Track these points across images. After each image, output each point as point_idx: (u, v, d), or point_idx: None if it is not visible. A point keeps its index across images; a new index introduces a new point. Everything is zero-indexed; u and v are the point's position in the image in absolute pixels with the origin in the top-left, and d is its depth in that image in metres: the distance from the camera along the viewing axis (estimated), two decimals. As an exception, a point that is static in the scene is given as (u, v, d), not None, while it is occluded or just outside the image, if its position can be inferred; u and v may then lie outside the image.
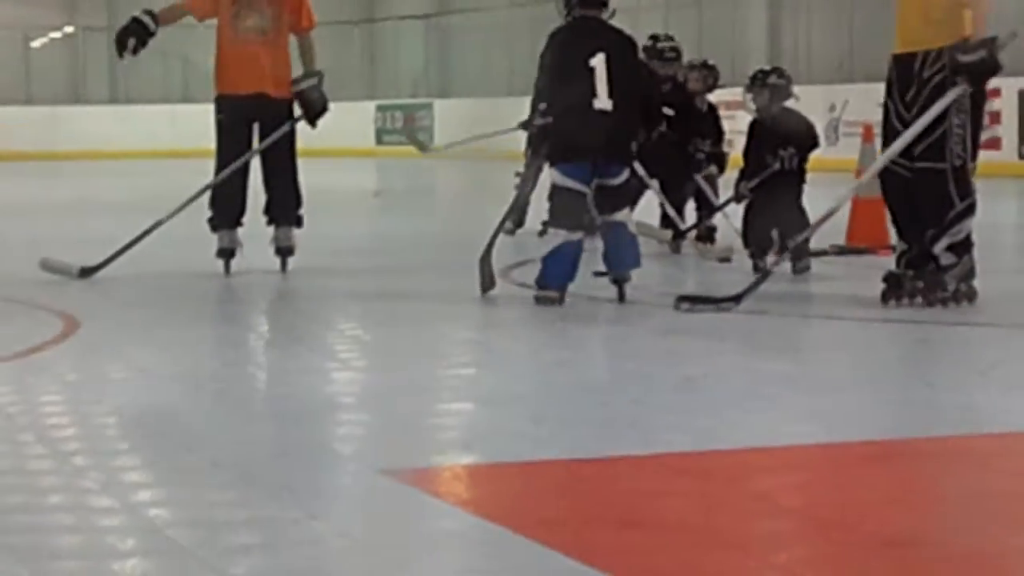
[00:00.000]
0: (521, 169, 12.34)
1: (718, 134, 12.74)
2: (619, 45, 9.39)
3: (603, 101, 9.16)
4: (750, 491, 5.09)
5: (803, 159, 10.83)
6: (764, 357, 8.00)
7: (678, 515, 4.72)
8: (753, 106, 11.05)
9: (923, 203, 8.86)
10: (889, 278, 8.98)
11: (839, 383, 7.20)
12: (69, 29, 40.50)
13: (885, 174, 9.01)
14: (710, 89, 12.79)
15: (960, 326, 8.48)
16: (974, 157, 8.88)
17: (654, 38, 12.80)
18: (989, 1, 8.75)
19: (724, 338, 8.32)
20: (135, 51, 10.78)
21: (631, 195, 9.82)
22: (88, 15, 40.37)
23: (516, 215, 12.41)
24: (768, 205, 10.51)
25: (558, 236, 9.24)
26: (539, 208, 11.83)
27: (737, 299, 8.74)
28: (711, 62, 13.12)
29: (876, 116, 9.81)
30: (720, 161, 12.61)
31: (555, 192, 9.30)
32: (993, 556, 4.21)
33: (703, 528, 4.55)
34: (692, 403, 6.61)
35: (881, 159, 8.99)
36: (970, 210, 8.83)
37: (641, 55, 10.84)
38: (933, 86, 8.71)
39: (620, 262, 9.32)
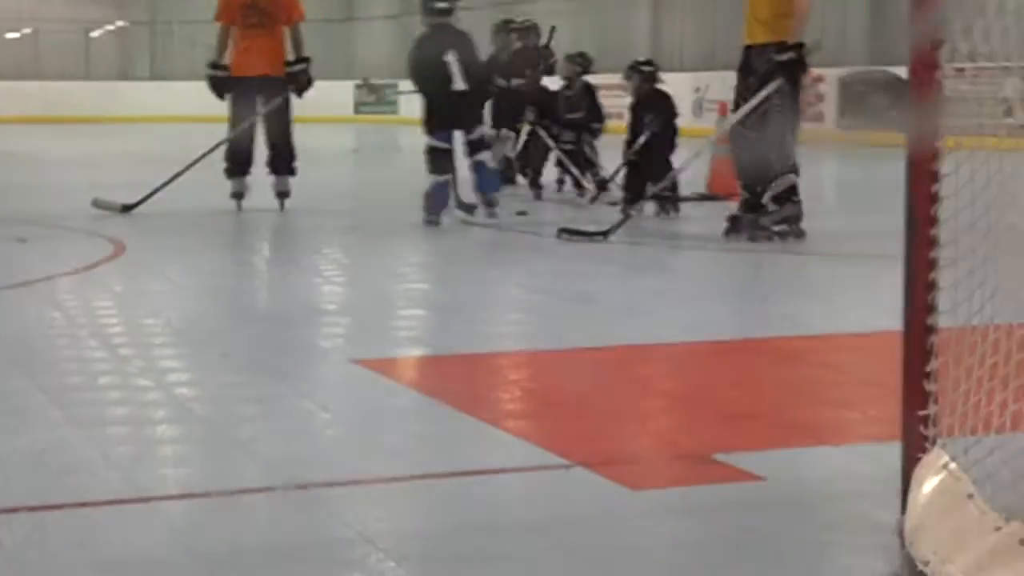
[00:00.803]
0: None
1: (596, 108, 12.66)
2: (464, 42, 10.20)
3: (459, 84, 9.95)
4: (631, 376, 5.13)
5: (667, 126, 10.77)
6: (639, 277, 8.06)
7: (579, 395, 4.75)
8: (630, 88, 11.08)
9: (755, 163, 8.90)
10: (730, 219, 9.05)
11: (695, 297, 7.27)
12: (120, 23, 40.03)
13: (734, 138, 9.07)
14: (583, 73, 12.68)
15: (787, 254, 8.55)
16: (794, 131, 8.89)
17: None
18: (806, 10, 8.75)
19: (608, 262, 8.37)
20: (223, 96, 10.91)
21: (486, 143, 10.50)
22: (134, 12, 39.94)
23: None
24: (643, 163, 10.52)
25: (435, 179, 10.03)
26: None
27: (605, 233, 8.78)
28: (584, 52, 13.08)
29: (731, 96, 9.91)
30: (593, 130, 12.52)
31: (431, 151, 10.09)
32: (810, 425, 4.26)
33: (596, 404, 4.57)
34: (588, 312, 6.66)
35: (721, 127, 9.06)
36: (790, 170, 8.83)
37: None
38: (760, 74, 8.77)
39: (487, 186, 10.28)
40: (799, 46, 8.65)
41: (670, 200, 10.44)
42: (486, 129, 10.71)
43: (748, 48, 8.92)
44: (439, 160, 10.08)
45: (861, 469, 3.60)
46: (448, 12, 10.28)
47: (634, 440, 4.11)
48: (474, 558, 3.00)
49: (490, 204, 10.29)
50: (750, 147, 8.81)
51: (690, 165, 9.82)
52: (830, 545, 3.10)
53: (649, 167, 10.33)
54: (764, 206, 8.84)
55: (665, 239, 9.22)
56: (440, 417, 4.34)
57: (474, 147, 10.27)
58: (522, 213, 10.64)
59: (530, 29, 13.40)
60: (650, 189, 10.08)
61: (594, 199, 11.35)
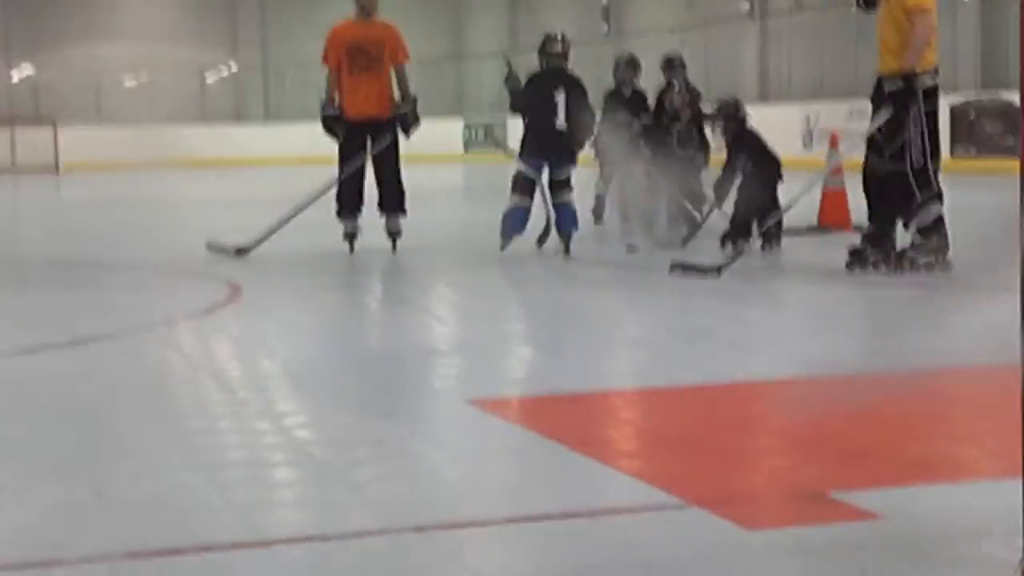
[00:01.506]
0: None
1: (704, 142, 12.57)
2: (574, 86, 10.75)
3: (560, 122, 10.60)
4: (745, 414, 5.10)
5: (760, 163, 10.69)
6: (751, 311, 8.00)
7: (692, 433, 4.73)
8: (718, 132, 11.10)
9: (887, 197, 8.83)
10: (852, 251, 8.95)
11: (808, 331, 7.19)
12: (233, 67, 40.67)
13: (865, 169, 8.98)
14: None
15: (901, 287, 8.43)
16: (935, 158, 8.82)
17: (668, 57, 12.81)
18: (923, 36, 8.67)
19: (719, 297, 8.32)
20: (337, 136, 11.02)
21: (570, 185, 10.81)
22: (248, 55, 40.60)
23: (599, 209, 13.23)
24: (744, 202, 10.50)
25: (514, 202, 10.70)
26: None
27: (719, 269, 8.74)
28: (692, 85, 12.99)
29: (841, 126, 9.88)
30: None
31: (517, 175, 10.75)
32: (928, 461, 4.19)
33: (710, 442, 4.54)
34: (701, 348, 6.63)
35: (840, 156, 9.00)
36: (932, 200, 8.74)
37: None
38: (884, 102, 8.74)
39: (567, 225, 10.63)
40: (912, 75, 8.59)
41: (773, 235, 10.36)
42: (573, 170, 10.92)
43: (879, 79, 8.87)
44: (522, 185, 10.70)
45: (981, 507, 3.56)
46: (563, 56, 10.93)
47: (748, 479, 4.10)
48: (590, 600, 3.01)
49: (567, 242, 10.63)
50: (888, 180, 8.76)
51: (800, 200, 9.75)
52: (950, 585, 3.07)
53: (751, 203, 10.28)
54: (894, 240, 8.80)
55: (777, 272, 9.15)
56: (554, 457, 4.35)
57: (559, 187, 10.74)
58: (632, 249, 10.63)
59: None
60: (755, 226, 10.06)
61: (687, 240, 11.16)
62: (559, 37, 11.09)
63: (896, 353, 6.37)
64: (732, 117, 10.93)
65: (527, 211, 10.70)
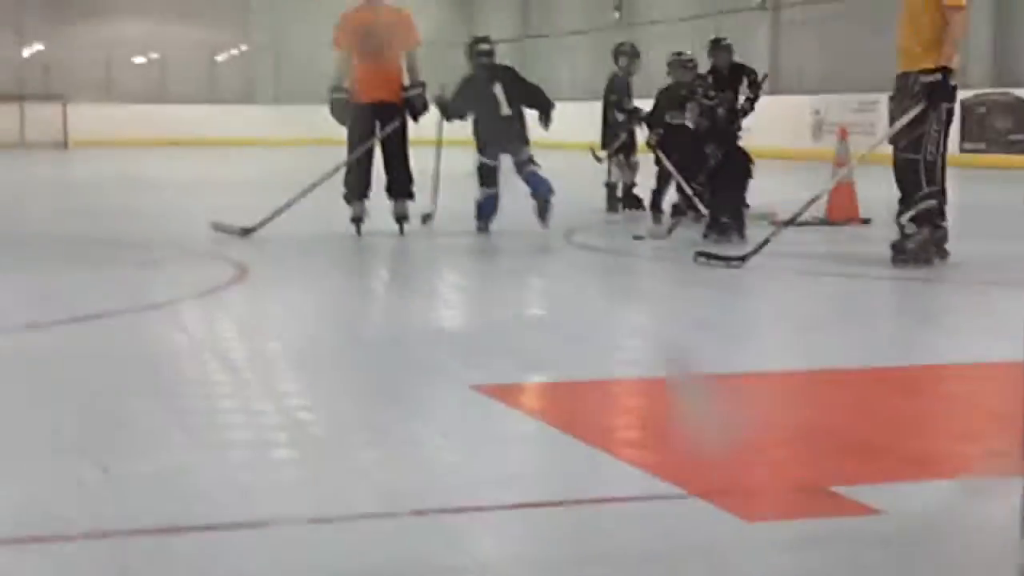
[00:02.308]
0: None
1: None
2: (508, 74, 11.58)
3: (505, 109, 11.28)
4: (748, 405, 5.11)
5: (729, 154, 10.81)
6: (757, 303, 8.01)
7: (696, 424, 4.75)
8: (691, 119, 11.17)
9: (900, 183, 8.88)
10: (895, 245, 8.92)
11: (814, 324, 7.19)
12: (244, 47, 40.65)
13: (894, 159, 9.01)
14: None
15: (910, 280, 8.44)
16: (943, 156, 8.84)
17: (677, 53, 12.75)
18: (959, 35, 8.70)
19: (726, 288, 8.32)
20: (343, 121, 11.11)
21: (533, 161, 11.39)
22: (258, 36, 40.55)
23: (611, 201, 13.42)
24: (716, 192, 10.68)
25: (484, 192, 11.37)
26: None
27: (743, 258, 8.74)
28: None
29: (850, 119, 9.88)
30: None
31: (481, 167, 11.41)
32: (930, 458, 4.19)
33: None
34: (705, 338, 6.63)
35: (867, 149, 9.00)
36: (934, 195, 8.78)
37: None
38: (912, 97, 8.74)
39: (540, 187, 11.27)
40: (947, 70, 8.63)
41: (733, 227, 10.40)
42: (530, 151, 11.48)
43: (904, 75, 8.86)
44: (488, 175, 11.39)
45: (983, 504, 3.56)
46: (490, 54, 11.65)
47: (750, 471, 4.10)
48: (589, 588, 3.02)
49: (545, 205, 11.28)
50: (897, 168, 8.83)
51: (826, 193, 9.75)
52: (947, 581, 3.08)
53: (723, 194, 10.37)
54: (902, 227, 8.80)
55: (782, 265, 9.13)
56: (557, 444, 4.36)
57: (523, 165, 11.41)
58: (638, 238, 10.64)
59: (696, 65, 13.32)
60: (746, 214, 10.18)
61: (671, 229, 11.14)
62: (485, 38, 11.88)
63: (899, 348, 6.38)
64: (705, 108, 10.98)
65: (496, 197, 11.40)
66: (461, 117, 11.47)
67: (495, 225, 11.32)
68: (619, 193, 13.39)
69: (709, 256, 8.93)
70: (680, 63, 12.41)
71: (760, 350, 6.35)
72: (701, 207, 11.51)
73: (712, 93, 11.11)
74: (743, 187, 10.74)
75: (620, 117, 13.21)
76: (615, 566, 3.16)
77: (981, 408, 4.91)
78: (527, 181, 11.40)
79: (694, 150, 11.01)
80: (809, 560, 3.24)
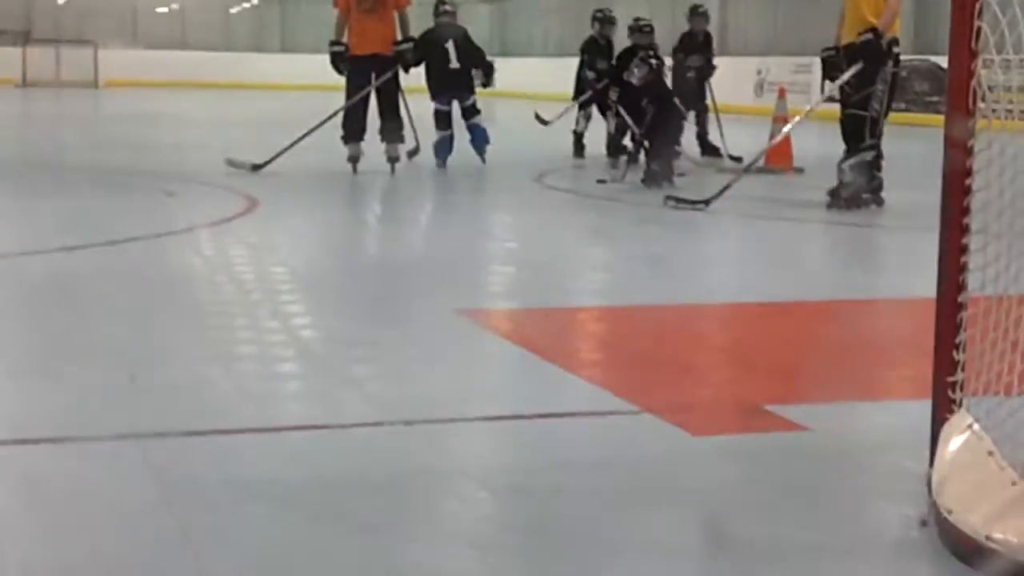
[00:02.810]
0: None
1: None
2: (460, 33, 11.97)
3: (454, 63, 11.74)
4: (693, 332, 5.15)
5: (662, 108, 10.79)
6: (703, 242, 8.02)
7: (647, 348, 4.76)
8: (636, 76, 11.10)
9: (846, 135, 8.90)
10: (833, 191, 8.94)
11: (751, 261, 7.22)
12: (254, 1, 40.23)
13: (842, 118, 9.02)
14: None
15: (842, 225, 8.46)
16: (886, 115, 8.87)
17: (637, 19, 12.65)
18: (895, 7, 8.72)
19: (676, 228, 8.33)
20: (342, 71, 10.99)
21: (477, 110, 12.00)
22: (267, -9, 40.18)
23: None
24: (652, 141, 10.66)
25: (440, 134, 11.68)
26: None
27: (706, 202, 8.73)
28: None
29: (788, 79, 9.94)
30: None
31: (437, 113, 11.75)
32: (852, 381, 4.21)
33: (662, 356, 4.57)
34: (657, 273, 6.65)
35: (812, 104, 9.05)
36: (875, 146, 8.83)
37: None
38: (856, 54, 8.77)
39: (481, 140, 11.95)
40: (877, 32, 8.59)
41: (662, 174, 10.40)
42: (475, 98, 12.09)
43: (850, 44, 8.80)
44: (442, 119, 11.76)
45: (896, 423, 3.60)
46: (450, 13, 12.11)
47: (695, 391, 4.13)
48: (551, 490, 3.04)
49: (481, 150, 11.92)
50: (845, 121, 8.86)
51: (779, 137, 9.87)
52: (867, 491, 3.11)
53: (655, 145, 10.41)
54: (843, 172, 8.83)
55: (728, 207, 9.15)
56: (527, 364, 4.37)
57: (468, 113, 11.97)
58: (601, 181, 10.62)
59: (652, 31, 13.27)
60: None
61: (624, 173, 11.06)
62: (446, 1, 12.08)
63: (829, 285, 6.41)
64: (652, 68, 10.96)
65: (451, 138, 11.77)
66: (416, 64, 11.48)
67: (474, 167, 11.27)
68: (584, 141, 13.33)
69: (677, 200, 8.91)
70: (638, 27, 12.31)
71: (705, 284, 6.37)
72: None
73: (655, 56, 11.09)
74: (674, 140, 10.73)
75: (591, 75, 13.11)
76: (576, 472, 3.18)
77: (899, 338, 4.95)
78: (469, 130, 11.97)
79: (637, 105, 10.96)
80: (745, 469, 3.27)
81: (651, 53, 11.18)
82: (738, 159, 11.87)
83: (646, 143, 10.68)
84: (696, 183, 10.32)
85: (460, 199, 10.13)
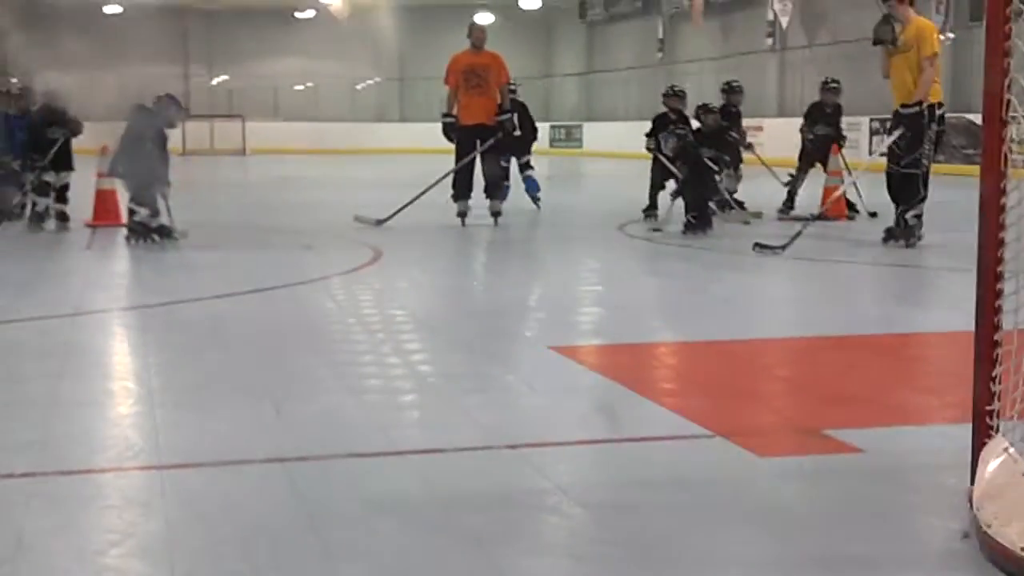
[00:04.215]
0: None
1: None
2: (521, 108, 12.44)
3: (517, 131, 11.89)
4: (759, 364, 5.10)
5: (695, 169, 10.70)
6: (768, 283, 7.94)
7: (718, 378, 4.74)
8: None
9: (900, 190, 8.95)
10: (889, 229, 9.18)
11: (811, 300, 7.12)
12: (377, 78, 40.77)
13: (888, 173, 9.08)
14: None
15: (891, 266, 8.34)
16: (928, 166, 8.94)
17: (671, 87, 12.48)
18: (928, 80, 8.68)
19: (743, 271, 8.24)
20: (451, 138, 11.08)
21: (531, 165, 12.93)
22: (388, 71, 40.60)
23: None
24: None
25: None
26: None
27: (784, 247, 8.68)
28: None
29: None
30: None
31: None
32: (901, 407, 4.16)
33: (731, 385, 4.54)
34: (727, 311, 6.59)
35: (868, 161, 9.11)
36: (925, 199, 8.94)
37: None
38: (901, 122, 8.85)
39: (529, 189, 12.84)
40: (925, 105, 8.70)
41: (699, 224, 10.28)
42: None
43: (898, 108, 8.87)
44: (504, 173, 11.91)
45: (940, 445, 3.54)
46: (513, 91, 11.84)
47: (761, 416, 4.10)
48: (637, 507, 3.04)
49: (534, 199, 12.62)
50: (900, 179, 8.91)
51: (843, 189, 9.91)
52: (914, 507, 3.06)
53: (690, 201, 10.41)
54: (906, 220, 8.91)
55: (791, 252, 9.06)
56: (614, 393, 4.37)
57: (524, 168, 12.80)
58: (656, 230, 10.54)
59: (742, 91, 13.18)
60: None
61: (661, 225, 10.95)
62: (513, 81, 11.66)
63: (877, 319, 6.31)
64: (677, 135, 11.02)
65: (508, 187, 11.95)
66: (512, 132, 11.82)
67: (565, 218, 11.25)
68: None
69: (763, 246, 8.85)
70: (672, 92, 12.20)
71: (769, 320, 6.31)
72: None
73: (681, 126, 11.10)
74: (706, 196, 10.61)
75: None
76: (658, 490, 3.17)
77: (941, 369, 4.86)
78: (524, 181, 12.79)
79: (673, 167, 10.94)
80: (806, 487, 3.24)
81: (679, 125, 11.16)
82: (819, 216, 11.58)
83: (682, 199, 10.59)
84: (732, 230, 10.30)
85: (553, 247, 10.13)
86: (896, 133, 8.80)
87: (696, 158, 10.80)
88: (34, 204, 10.86)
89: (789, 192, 12.38)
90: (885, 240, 9.09)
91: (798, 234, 8.78)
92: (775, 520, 2.96)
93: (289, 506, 2.99)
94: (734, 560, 2.69)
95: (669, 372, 5.01)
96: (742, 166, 12.36)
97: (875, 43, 9.01)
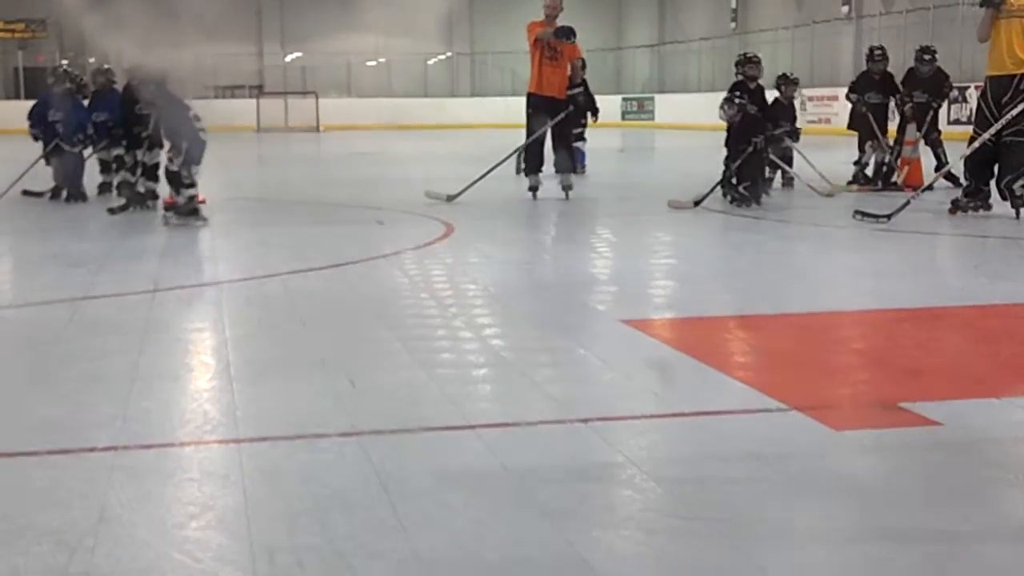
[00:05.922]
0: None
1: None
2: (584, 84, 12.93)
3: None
4: (834, 337, 5.04)
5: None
6: (842, 255, 7.83)
7: (793, 352, 4.69)
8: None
9: (1008, 161, 8.81)
10: (954, 201, 9.21)
11: (886, 272, 7.01)
12: (449, 53, 40.84)
13: (988, 143, 8.94)
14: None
15: (966, 237, 8.18)
16: None
17: (743, 53, 12.26)
18: None
19: (819, 241, 8.13)
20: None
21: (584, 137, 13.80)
22: (459, 45, 40.67)
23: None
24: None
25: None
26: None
27: (889, 217, 8.67)
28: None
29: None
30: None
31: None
32: (978, 380, 4.10)
33: (806, 359, 4.49)
34: (801, 283, 6.52)
35: (983, 137, 8.92)
36: None
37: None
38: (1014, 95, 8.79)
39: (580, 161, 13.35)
40: None
41: (750, 196, 10.28)
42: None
43: (1009, 77, 8.80)
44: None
45: (1020, 419, 3.48)
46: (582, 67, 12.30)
47: (836, 389, 4.05)
48: (711, 480, 3.02)
49: (581, 168, 13.16)
50: (1004, 149, 8.75)
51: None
52: (994, 480, 3.01)
53: (743, 172, 10.31)
54: (1012, 191, 8.84)
55: (868, 224, 8.88)
56: (687, 367, 4.34)
57: (577, 138, 12.89)
58: (697, 203, 10.43)
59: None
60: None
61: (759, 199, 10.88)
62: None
63: (954, 291, 6.20)
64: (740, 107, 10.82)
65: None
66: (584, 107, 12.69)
67: (636, 191, 11.17)
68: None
69: (864, 214, 8.88)
70: (746, 59, 12.01)
71: (843, 292, 6.23)
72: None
73: (741, 94, 10.82)
74: (761, 168, 10.54)
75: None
76: (732, 464, 3.15)
77: (1020, 340, 4.76)
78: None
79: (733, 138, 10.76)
80: (883, 460, 3.20)
81: (738, 93, 10.92)
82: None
83: (734, 169, 10.47)
84: (777, 204, 10.15)
85: (625, 220, 10.08)
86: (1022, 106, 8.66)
87: (756, 127, 10.64)
88: (135, 184, 10.80)
89: (865, 163, 12.20)
90: (952, 211, 8.98)
91: (906, 203, 8.78)
92: (852, 494, 2.93)
93: (364, 479, 3.02)
94: (811, 534, 2.66)
95: (743, 345, 4.96)
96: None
97: (982, 4, 8.86)
